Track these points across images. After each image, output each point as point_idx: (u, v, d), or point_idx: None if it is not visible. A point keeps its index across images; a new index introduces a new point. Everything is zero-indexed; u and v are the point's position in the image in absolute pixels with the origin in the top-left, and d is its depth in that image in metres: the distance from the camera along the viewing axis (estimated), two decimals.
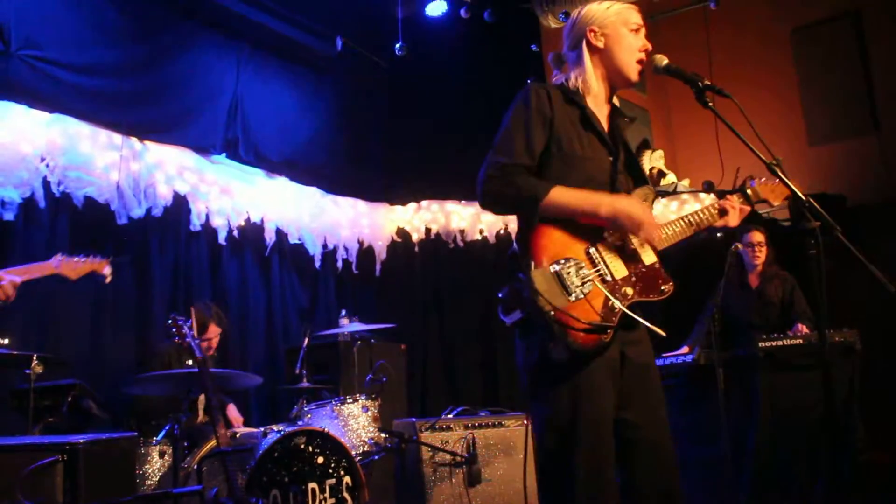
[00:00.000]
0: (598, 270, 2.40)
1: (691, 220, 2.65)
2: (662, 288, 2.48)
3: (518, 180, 2.40)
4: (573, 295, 2.31)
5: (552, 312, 2.26)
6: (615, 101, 2.72)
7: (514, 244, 2.44)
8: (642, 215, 2.41)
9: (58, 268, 3.90)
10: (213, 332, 5.30)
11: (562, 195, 2.39)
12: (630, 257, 2.49)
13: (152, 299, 5.75)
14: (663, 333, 2.39)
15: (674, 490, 2.39)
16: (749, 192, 2.78)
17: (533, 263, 2.32)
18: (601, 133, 2.59)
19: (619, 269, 2.45)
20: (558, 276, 2.32)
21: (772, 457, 4.82)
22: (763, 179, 2.87)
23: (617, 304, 2.36)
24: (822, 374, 2.87)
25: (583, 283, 2.34)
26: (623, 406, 2.39)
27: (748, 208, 2.75)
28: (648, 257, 2.52)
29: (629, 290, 2.42)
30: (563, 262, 2.35)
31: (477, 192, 2.46)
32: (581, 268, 2.37)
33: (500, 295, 2.46)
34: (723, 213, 2.69)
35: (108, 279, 4.13)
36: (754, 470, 4.84)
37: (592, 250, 2.43)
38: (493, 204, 2.48)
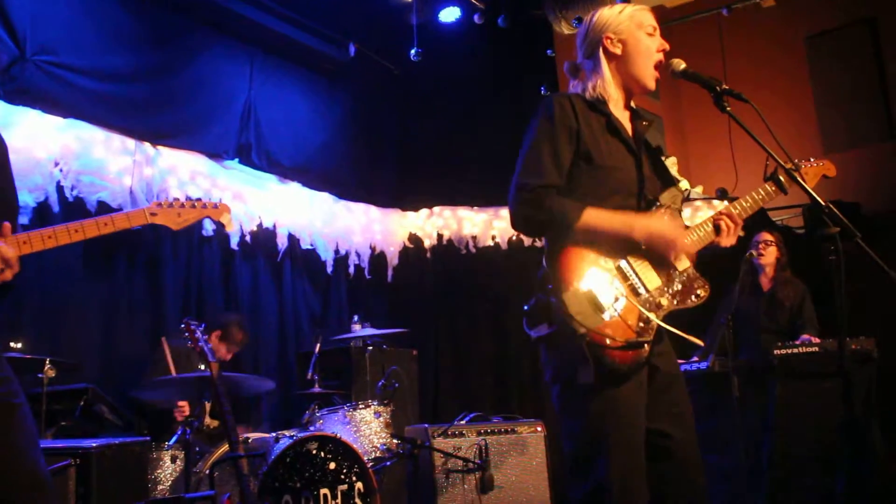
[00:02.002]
0: (631, 284, 2.37)
1: (705, 230, 2.56)
2: (698, 293, 2.45)
3: (550, 204, 2.33)
4: (607, 313, 2.27)
5: (586, 334, 2.23)
6: (632, 104, 2.68)
7: (544, 263, 2.39)
8: (675, 235, 2.38)
9: (155, 216, 2.90)
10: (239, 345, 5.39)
11: (594, 218, 2.34)
12: (662, 265, 2.44)
13: (165, 304, 5.76)
14: (701, 343, 2.37)
15: (701, 502, 2.36)
16: (782, 178, 2.62)
17: (563, 285, 2.28)
18: (627, 140, 2.54)
19: (651, 280, 2.41)
20: (590, 296, 2.28)
21: (788, 466, 4.78)
22: (812, 160, 2.81)
23: (652, 317, 2.33)
24: (842, 382, 2.82)
25: (616, 300, 2.30)
26: (652, 417, 2.36)
27: (741, 233, 2.62)
28: (682, 263, 2.47)
29: (664, 301, 2.39)
30: (594, 280, 2.31)
31: (510, 214, 2.42)
32: (613, 284, 2.33)
33: (525, 308, 2.42)
34: (717, 229, 2.56)
35: (229, 228, 3.45)
36: (771, 479, 4.80)
37: (623, 263, 2.39)
38: (525, 229, 2.45)
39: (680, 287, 2.43)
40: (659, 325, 2.33)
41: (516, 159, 2.49)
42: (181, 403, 4.85)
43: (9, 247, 2.35)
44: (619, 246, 2.39)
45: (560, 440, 2.46)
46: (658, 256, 2.42)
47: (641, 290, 2.37)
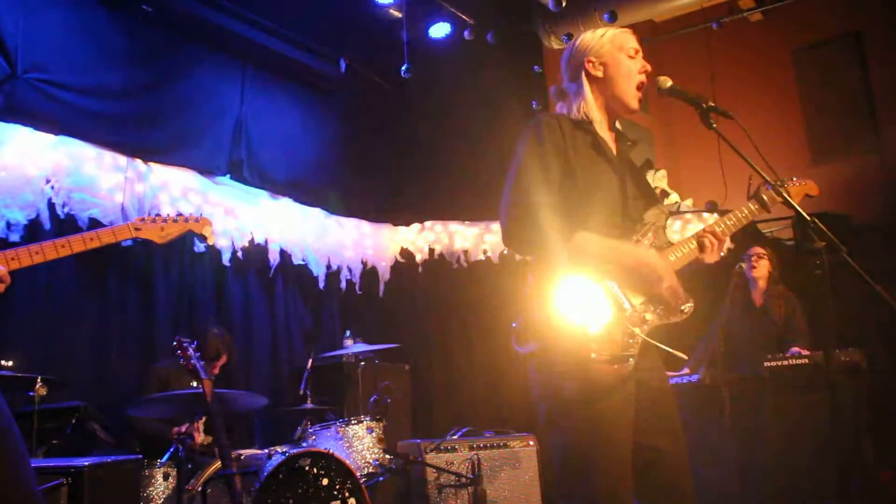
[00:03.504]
0: (616, 299, 2.39)
1: (689, 247, 2.60)
2: (682, 308, 2.46)
3: (542, 223, 2.35)
4: (592, 328, 2.29)
5: (573, 349, 2.25)
6: (617, 125, 2.71)
7: (531, 279, 2.41)
8: (663, 271, 2.40)
9: (139, 231, 3.01)
10: (223, 360, 5.33)
11: (586, 242, 2.38)
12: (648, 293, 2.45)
13: (157, 321, 5.75)
14: (685, 357, 2.39)
15: None
16: (765, 196, 2.68)
17: (550, 300, 2.30)
18: (611, 159, 2.57)
19: (636, 296, 2.43)
20: (577, 310, 2.29)
21: (780, 477, 4.80)
22: (795, 179, 2.86)
23: (637, 332, 2.35)
24: (829, 394, 2.85)
25: (601, 315, 2.32)
26: (642, 432, 2.37)
27: (723, 250, 2.67)
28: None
29: (649, 316, 2.41)
30: (580, 295, 2.32)
31: (502, 231, 2.44)
32: (599, 299, 2.35)
33: (514, 325, 2.43)
34: (701, 246, 2.60)
35: (211, 241, 3.57)
36: (762, 491, 4.81)
37: (609, 279, 2.41)
38: (517, 247, 2.48)
39: (664, 303, 2.44)
40: (644, 340, 2.35)
41: (506, 174, 2.51)
42: (176, 429, 4.82)
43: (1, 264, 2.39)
44: (607, 269, 2.41)
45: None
46: (645, 287, 2.43)
47: (627, 306, 2.39)
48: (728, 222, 2.64)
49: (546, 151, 2.47)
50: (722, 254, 2.63)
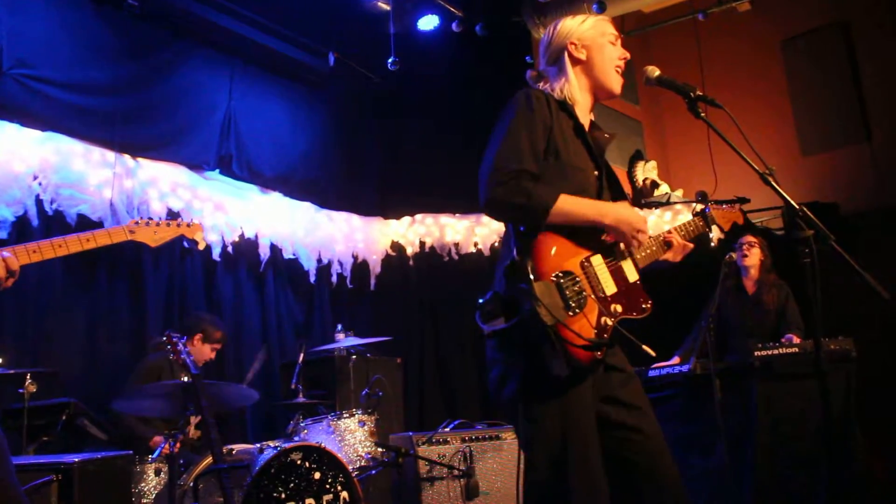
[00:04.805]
0: (593, 286, 2.40)
1: (653, 248, 2.70)
2: (643, 306, 2.50)
3: (528, 187, 2.34)
4: (571, 310, 2.29)
5: (554, 325, 2.23)
6: (592, 116, 2.73)
7: (514, 251, 2.35)
8: (642, 224, 2.48)
9: (133, 234, 3.14)
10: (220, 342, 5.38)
11: (569, 203, 2.38)
12: (617, 275, 2.50)
13: (147, 316, 5.73)
14: (653, 353, 2.39)
15: (681, 498, 2.37)
16: (710, 215, 2.90)
17: (536, 274, 2.28)
18: (590, 145, 2.60)
19: (609, 286, 2.45)
20: (559, 289, 2.30)
21: (771, 467, 4.81)
22: (724, 206, 3.06)
23: (609, 320, 2.38)
24: (819, 382, 2.86)
25: (579, 298, 2.33)
26: (616, 411, 2.40)
27: (691, 245, 2.79)
28: (632, 275, 2.54)
29: (618, 307, 2.43)
30: (562, 274, 2.33)
31: (481, 198, 2.39)
32: (578, 282, 2.36)
33: (480, 301, 2.38)
34: (668, 244, 2.74)
35: (201, 246, 3.64)
36: (753, 480, 4.82)
37: (587, 264, 2.42)
38: (500, 211, 2.42)
39: (629, 298, 2.48)
40: (615, 329, 2.38)
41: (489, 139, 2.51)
42: (156, 439, 4.80)
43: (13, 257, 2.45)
44: (585, 246, 2.44)
45: None
46: (613, 261, 2.49)
47: (601, 294, 2.42)
48: (680, 233, 2.80)
49: (535, 122, 2.48)
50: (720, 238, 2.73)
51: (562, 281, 2.31)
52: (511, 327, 2.30)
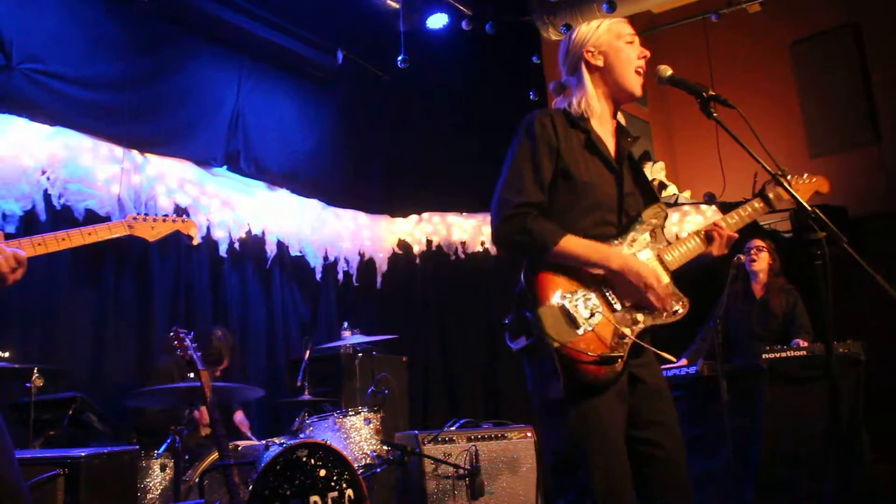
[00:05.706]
0: (607, 299, 2.38)
1: (688, 246, 2.57)
2: (677, 309, 2.45)
3: (530, 225, 2.35)
4: (581, 328, 2.29)
5: (560, 348, 2.24)
6: (620, 117, 2.70)
7: (522, 279, 2.40)
8: (651, 279, 2.38)
9: (132, 228, 3.26)
10: (225, 364, 5.41)
11: (572, 245, 2.36)
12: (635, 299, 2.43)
13: (153, 312, 5.73)
14: (674, 359, 2.39)
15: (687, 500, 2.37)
16: (771, 195, 2.66)
17: (539, 300, 2.30)
18: (607, 157, 2.56)
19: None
20: (565, 311, 2.30)
21: (776, 470, 4.80)
22: (806, 176, 2.84)
23: (626, 332, 2.35)
24: (829, 385, 2.85)
25: (591, 315, 2.32)
26: (638, 425, 2.37)
27: (736, 236, 2.63)
28: (663, 278, 2.47)
29: (640, 316, 2.40)
30: (569, 295, 2.33)
31: (492, 231, 2.44)
32: (589, 299, 2.35)
33: (506, 321, 2.45)
34: (710, 239, 2.58)
35: (195, 242, 3.82)
36: (759, 483, 4.81)
37: (601, 279, 2.40)
38: (504, 247, 2.45)
39: (652, 308, 2.43)
40: (635, 340, 2.34)
41: (501, 169, 2.51)
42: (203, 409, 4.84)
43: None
44: (594, 274, 2.40)
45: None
46: (631, 292, 2.40)
47: (617, 306, 2.39)
48: (730, 221, 2.63)
49: (538, 151, 2.46)
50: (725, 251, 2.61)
51: (567, 302, 2.31)
52: (530, 345, 2.37)
